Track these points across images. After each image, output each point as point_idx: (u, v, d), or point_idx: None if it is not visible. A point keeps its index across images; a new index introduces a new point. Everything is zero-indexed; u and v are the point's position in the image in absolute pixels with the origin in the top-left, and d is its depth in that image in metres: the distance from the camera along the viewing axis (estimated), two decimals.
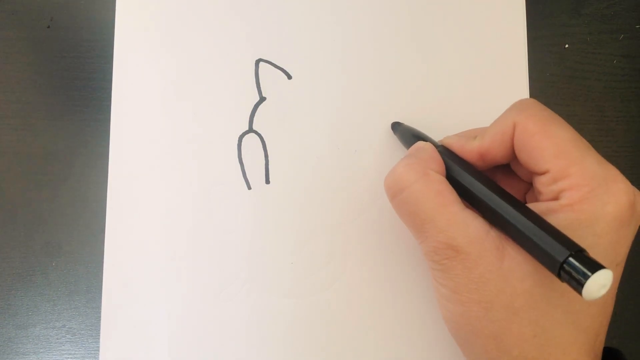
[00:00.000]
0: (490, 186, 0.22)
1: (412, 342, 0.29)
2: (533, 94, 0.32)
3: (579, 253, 0.18)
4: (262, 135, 0.31)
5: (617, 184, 0.21)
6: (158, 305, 0.30)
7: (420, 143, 0.26)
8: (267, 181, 0.31)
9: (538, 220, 0.20)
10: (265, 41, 0.32)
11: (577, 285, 0.18)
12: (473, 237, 0.21)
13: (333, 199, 0.31)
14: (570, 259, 0.18)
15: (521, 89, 0.32)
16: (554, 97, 0.34)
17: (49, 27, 0.33)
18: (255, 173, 0.31)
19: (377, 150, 0.31)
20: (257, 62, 0.32)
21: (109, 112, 0.31)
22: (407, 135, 0.29)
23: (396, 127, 0.30)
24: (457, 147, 0.25)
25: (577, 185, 0.21)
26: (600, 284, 0.17)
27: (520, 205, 0.21)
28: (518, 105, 0.23)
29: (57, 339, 0.31)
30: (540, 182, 0.22)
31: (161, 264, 0.30)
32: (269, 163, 0.31)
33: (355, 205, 0.31)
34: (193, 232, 0.30)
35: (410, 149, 0.26)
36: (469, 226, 0.21)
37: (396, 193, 0.24)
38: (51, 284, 0.31)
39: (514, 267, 0.21)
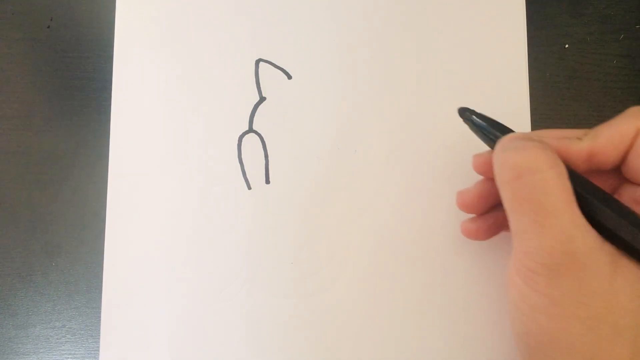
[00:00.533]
0: (605, 197, 0.21)
1: (412, 342, 0.29)
2: (533, 94, 0.32)
3: None
4: (262, 135, 0.31)
5: None
6: (158, 305, 0.30)
7: (531, 133, 0.23)
8: (267, 181, 0.31)
9: None
10: (265, 41, 0.32)
11: None
12: (592, 246, 0.20)
13: (333, 199, 0.31)
14: None
15: (521, 89, 0.32)
16: (554, 97, 0.34)
17: (49, 27, 0.33)
18: (255, 173, 0.31)
19: (377, 150, 0.31)
20: (257, 62, 0.32)
21: (109, 112, 0.31)
22: (490, 124, 0.25)
23: (467, 114, 0.26)
24: (562, 147, 0.22)
25: None
26: None
27: (637, 219, 0.20)
28: (638, 111, 0.22)
29: (57, 339, 0.31)
30: None
31: (161, 264, 0.30)
32: (269, 163, 0.31)
33: (355, 205, 0.31)
34: (193, 232, 0.30)
35: (523, 134, 0.23)
36: (588, 234, 0.20)
37: (524, 174, 0.20)
38: (51, 284, 0.31)
39: (626, 285, 0.20)
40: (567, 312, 0.20)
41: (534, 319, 0.21)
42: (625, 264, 0.20)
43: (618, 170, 0.24)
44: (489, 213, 0.27)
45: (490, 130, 0.24)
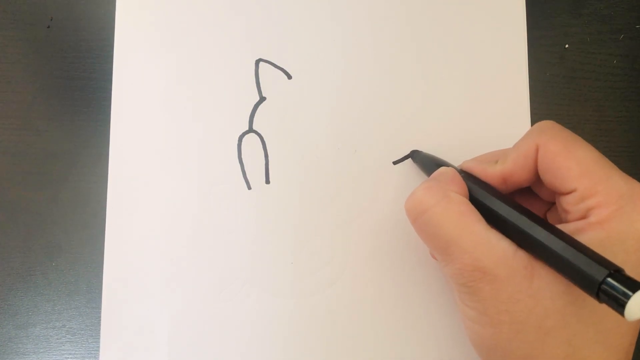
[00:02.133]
0: (517, 208, 0.22)
1: (412, 341, 0.29)
2: (533, 94, 0.32)
3: (617, 272, 0.18)
4: (262, 135, 0.31)
5: None
6: (158, 305, 0.30)
7: (442, 168, 0.25)
8: (267, 181, 0.31)
9: (571, 241, 0.20)
10: (265, 41, 0.32)
11: (618, 305, 0.17)
12: (500, 257, 0.21)
13: (333, 199, 0.31)
14: (609, 279, 0.18)
15: (521, 89, 0.32)
16: (554, 97, 0.34)
17: (49, 27, 0.33)
18: (255, 173, 0.31)
19: (377, 150, 0.31)
20: (257, 62, 0.32)
21: (109, 112, 0.31)
22: (428, 162, 0.28)
23: (416, 155, 0.30)
24: (479, 171, 0.24)
25: (605, 203, 0.21)
26: None
27: (549, 226, 0.21)
28: (538, 128, 0.23)
29: (57, 339, 0.31)
30: (566, 202, 0.22)
31: (161, 264, 0.30)
32: (269, 163, 0.31)
33: (355, 205, 0.31)
34: (193, 232, 0.30)
35: (431, 175, 0.26)
36: (494, 247, 0.21)
37: (417, 216, 0.23)
38: (51, 284, 0.31)
39: (544, 286, 0.21)
40: (493, 319, 0.21)
41: (473, 330, 0.23)
42: (540, 266, 0.21)
43: (548, 192, 0.25)
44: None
45: (434, 169, 0.26)
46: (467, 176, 0.25)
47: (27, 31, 0.33)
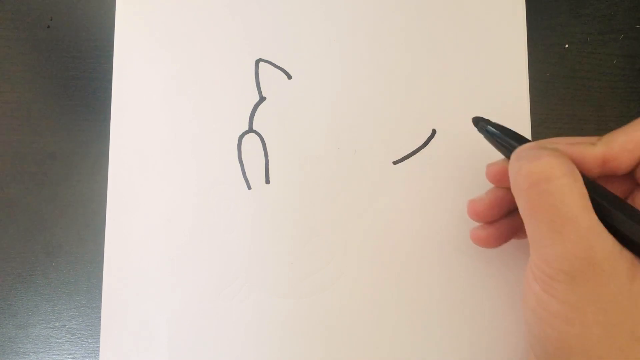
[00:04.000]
0: (620, 203, 0.21)
1: (412, 342, 0.29)
2: (533, 94, 0.32)
3: None
4: (262, 135, 0.31)
5: None
6: (158, 305, 0.30)
7: (545, 141, 0.23)
8: (267, 181, 0.31)
9: None
10: (265, 41, 0.32)
11: None
12: (610, 251, 0.20)
13: (333, 199, 0.31)
14: None
15: (521, 89, 0.32)
16: (554, 97, 0.34)
17: (49, 27, 0.33)
18: (255, 173, 0.31)
19: (377, 150, 0.31)
20: (257, 62, 0.32)
21: (109, 112, 0.31)
22: (505, 134, 0.25)
23: (480, 124, 0.27)
24: (576, 152, 0.22)
25: None
26: None
27: None
28: None
29: (57, 339, 0.31)
30: None
31: (161, 264, 0.30)
32: (269, 163, 0.31)
33: (355, 205, 0.31)
34: (193, 232, 0.30)
35: (538, 142, 0.23)
36: (607, 239, 0.20)
37: (540, 181, 0.20)
38: (51, 284, 0.31)
39: None
40: (585, 318, 0.20)
41: (553, 325, 0.21)
42: None
43: (630, 176, 0.24)
44: (499, 221, 0.27)
45: (505, 139, 0.25)
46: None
47: (27, 31, 0.33)
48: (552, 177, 0.20)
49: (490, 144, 0.26)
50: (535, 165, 0.21)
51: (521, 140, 0.24)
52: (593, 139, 0.23)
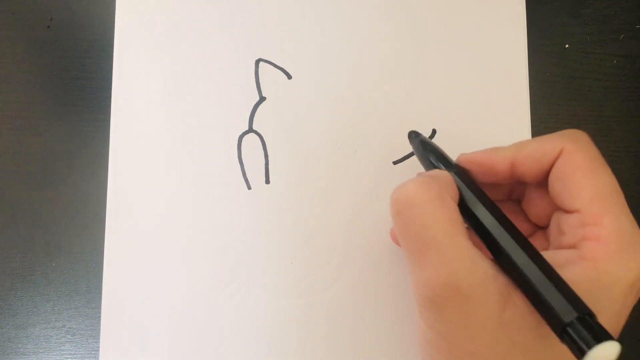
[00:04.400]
0: (505, 224, 0.20)
1: (412, 342, 0.29)
2: (533, 94, 0.32)
3: (588, 317, 0.17)
4: (262, 135, 0.31)
5: None
6: (158, 305, 0.30)
7: (437, 171, 0.23)
8: (267, 181, 0.31)
9: (549, 272, 0.18)
10: (265, 41, 0.32)
11: (578, 352, 0.16)
12: (479, 278, 0.19)
13: (333, 199, 0.31)
14: (577, 322, 0.17)
15: (521, 89, 0.32)
16: (554, 97, 0.34)
17: (49, 27, 0.33)
18: (255, 173, 0.31)
19: (377, 150, 0.31)
20: (257, 62, 0.32)
21: (109, 112, 0.31)
22: (424, 149, 0.26)
23: (412, 137, 0.27)
24: (487, 154, 0.23)
25: (605, 238, 0.19)
26: (604, 357, 0.16)
27: (533, 251, 0.19)
28: (570, 134, 0.22)
29: (57, 339, 0.31)
30: (566, 222, 0.21)
31: (161, 264, 0.30)
32: (269, 163, 0.31)
33: (355, 205, 0.31)
34: (193, 232, 0.30)
35: (427, 172, 0.24)
36: (476, 266, 0.19)
37: (404, 208, 0.21)
38: (51, 284, 0.31)
39: (515, 318, 0.19)
40: (454, 347, 0.19)
41: (428, 352, 0.21)
42: (517, 294, 0.19)
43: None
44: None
45: (428, 155, 0.25)
46: (463, 176, 0.23)
47: (27, 31, 0.33)
48: (414, 204, 0.20)
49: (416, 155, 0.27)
50: (400, 192, 0.21)
51: (441, 161, 0.24)
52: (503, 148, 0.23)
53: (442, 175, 0.22)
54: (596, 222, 0.19)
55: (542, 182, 0.22)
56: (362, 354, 0.29)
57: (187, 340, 0.29)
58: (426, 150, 0.25)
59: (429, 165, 0.25)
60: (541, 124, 0.33)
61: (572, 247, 0.20)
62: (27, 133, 0.32)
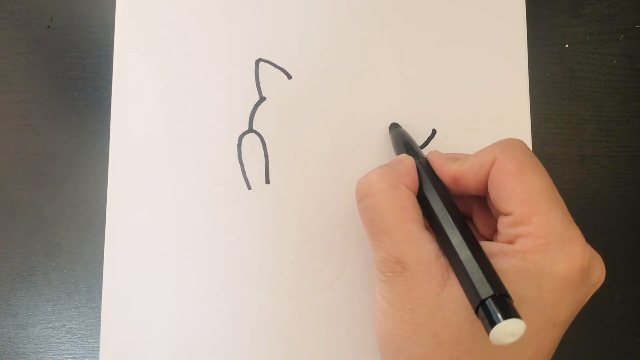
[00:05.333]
0: (451, 211, 0.22)
1: None
2: (533, 94, 0.32)
3: (502, 297, 0.18)
4: (262, 135, 0.31)
5: (573, 246, 0.20)
6: (158, 305, 0.30)
7: (402, 156, 0.26)
8: (267, 181, 0.31)
9: (478, 254, 0.20)
10: (265, 41, 0.32)
11: (488, 326, 0.18)
12: (422, 258, 0.21)
13: (333, 199, 0.31)
14: (490, 299, 0.18)
15: (521, 89, 0.32)
16: (554, 97, 0.34)
17: (49, 27, 0.33)
18: (255, 173, 0.31)
19: (377, 150, 0.31)
20: (257, 62, 0.32)
21: (109, 112, 0.31)
22: (399, 139, 0.29)
23: (392, 128, 0.30)
24: (437, 164, 0.25)
25: (534, 234, 0.21)
26: (508, 332, 0.17)
27: (469, 236, 0.21)
28: (503, 143, 0.23)
29: (57, 339, 0.31)
30: (501, 223, 0.22)
31: (161, 264, 0.30)
32: (269, 163, 0.31)
33: (355, 205, 0.30)
34: (193, 232, 0.30)
35: (391, 160, 0.26)
36: (421, 247, 0.22)
37: (362, 198, 0.24)
38: (51, 284, 0.31)
39: (451, 297, 0.21)
40: (397, 314, 0.22)
41: (379, 321, 0.23)
42: (454, 279, 0.21)
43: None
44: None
45: (401, 148, 0.27)
46: (426, 167, 0.25)
47: (27, 31, 0.33)
48: (371, 194, 0.23)
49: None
50: (361, 182, 0.24)
51: (410, 151, 0.27)
52: (462, 156, 0.25)
53: (403, 162, 0.25)
54: (526, 221, 0.21)
55: (485, 194, 0.24)
56: (362, 354, 0.29)
57: (187, 340, 0.29)
58: (400, 139, 0.28)
59: (400, 153, 0.27)
60: (541, 124, 0.33)
61: (508, 243, 0.22)
62: (27, 133, 0.32)
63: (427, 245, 0.22)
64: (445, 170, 0.24)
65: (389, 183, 0.23)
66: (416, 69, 0.32)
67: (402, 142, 0.28)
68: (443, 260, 0.22)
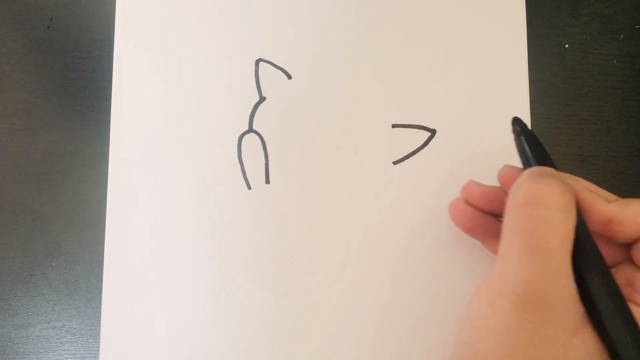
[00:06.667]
0: (601, 265, 0.21)
1: (412, 342, 0.29)
2: (533, 94, 0.32)
3: None
4: (262, 135, 0.31)
5: None
6: (158, 305, 0.30)
7: (569, 176, 0.23)
8: (267, 181, 0.31)
9: (631, 326, 0.19)
10: (265, 41, 0.32)
11: None
12: (567, 297, 0.20)
13: (333, 199, 0.31)
14: None
15: (521, 89, 0.32)
16: (554, 97, 0.34)
17: (49, 27, 0.33)
18: (255, 173, 0.31)
19: (377, 150, 0.31)
20: (257, 62, 0.32)
21: (109, 112, 0.31)
22: (539, 149, 0.24)
23: (518, 129, 0.25)
24: (588, 199, 0.22)
25: None
26: None
27: (620, 303, 0.20)
28: None
29: (57, 339, 0.31)
30: None
31: (161, 264, 0.30)
32: (269, 163, 0.31)
33: (355, 205, 0.31)
34: (193, 232, 0.30)
35: (561, 172, 0.23)
36: (569, 285, 0.20)
37: (535, 203, 0.20)
38: (51, 284, 0.31)
39: (582, 347, 0.20)
40: (516, 344, 0.20)
41: (483, 339, 0.21)
42: (589, 330, 0.20)
43: (626, 248, 0.23)
44: (480, 212, 0.27)
45: (529, 155, 0.24)
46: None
47: (27, 31, 0.33)
48: (546, 205, 0.20)
49: (516, 148, 0.25)
50: (539, 187, 0.21)
51: (545, 162, 0.24)
52: (611, 196, 0.23)
53: (576, 184, 0.22)
54: None
55: (630, 243, 0.22)
56: (362, 354, 0.29)
57: (187, 341, 0.29)
58: (540, 149, 0.25)
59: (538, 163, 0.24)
60: (541, 124, 0.33)
61: None
62: (27, 133, 0.32)
63: (573, 285, 0.20)
64: (599, 209, 0.22)
65: (568, 204, 0.20)
66: (416, 69, 0.32)
67: (544, 154, 0.24)
68: (579, 307, 0.20)
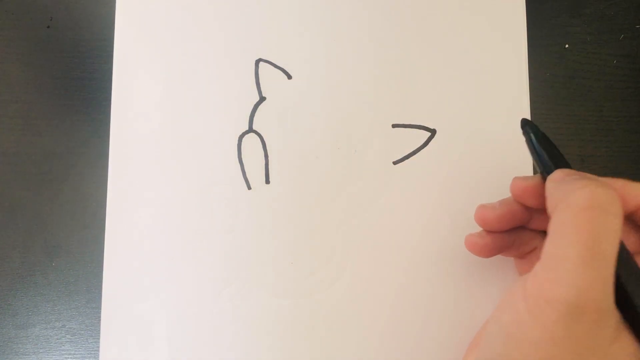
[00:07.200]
0: (637, 270, 0.21)
1: (412, 342, 0.29)
2: (533, 94, 0.32)
3: None
4: (262, 135, 0.31)
5: None
6: (158, 305, 0.30)
7: (613, 180, 0.23)
8: (267, 181, 0.31)
9: None
10: (265, 41, 0.32)
11: None
12: (608, 305, 0.19)
13: (333, 199, 0.31)
14: None
15: (521, 89, 0.32)
16: (554, 97, 0.34)
17: (49, 27, 0.33)
18: (255, 173, 0.31)
19: (377, 150, 0.31)
20: (257, 62, 0.32)
21: (109, 112, 0.31)
22: (555, 150, 0.24)
23: (528, 130, 0.25)
24: (618, 187, 0.22)
25: None
26: None
27: None
28: None
29: (57, 339, 0.31)
30: None
31: (161, 264, 0.30)
32: (269, 163, 0.31)
33: (355, 205, 0.31)
34: (193, 232, 0.30)
35: (610, 179, 0.23)
36: (611, 292, 0.19)
37: (599, 208, 0.19)
38: (51, 284, 0.31)
39: (621, 354, 0.20)
40: (559, 356, 0.19)
41: (521, 350, 0.20)
42: (627, 334, 0.20)
43: None
44: (501, 233, 0.27)
45: (544, 157, 0.24)
46: None
47: (27, 31, 0.33)
48: (610, 212, 0.19)
49: (528, 149, 0.25)
50: (602, 191, 0.20)
51: (560, 162, 0.23)
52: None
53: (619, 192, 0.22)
54: None
55: None
56: (362, 354, 0.29)
57: (187, 341, 0.29)
58: (555, 149, 0.24)
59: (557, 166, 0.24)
60: (541, 124, 0.33)
61: None
62: (27, 133, 0.32)
63: (612, 292, 0.19)
64: (635, 193, 0.22)
65: (621, 212, 0.20)
66: (417, 69, 0.32)
67: (559, 154, 0.24)
68: (616, 312, 0.20)
